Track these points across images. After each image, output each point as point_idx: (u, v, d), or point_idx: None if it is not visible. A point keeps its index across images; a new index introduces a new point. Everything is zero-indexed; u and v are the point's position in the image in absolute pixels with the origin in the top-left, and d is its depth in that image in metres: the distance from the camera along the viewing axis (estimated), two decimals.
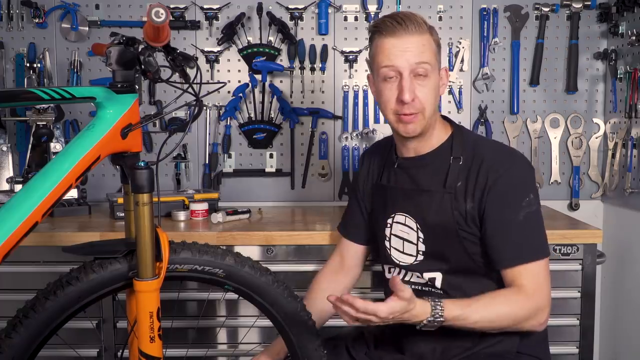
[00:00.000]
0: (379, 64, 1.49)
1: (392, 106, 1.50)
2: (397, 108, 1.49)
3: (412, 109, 1.47)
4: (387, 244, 1.64)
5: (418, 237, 1.57)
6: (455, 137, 1.56)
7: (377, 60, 1.49)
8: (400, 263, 1.61)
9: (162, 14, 1.18)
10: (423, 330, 1.36)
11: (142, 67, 1.28)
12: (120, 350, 1.98)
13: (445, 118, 1.62)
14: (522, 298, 1.43)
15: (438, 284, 1.56)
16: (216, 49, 2.59)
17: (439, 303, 1.35)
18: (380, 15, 2.56)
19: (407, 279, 1.61)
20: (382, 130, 2.55)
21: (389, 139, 1.71)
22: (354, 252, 1.78)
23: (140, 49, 1.27)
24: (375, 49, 1.50)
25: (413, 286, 1.59)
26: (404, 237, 1.59)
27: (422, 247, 1.56)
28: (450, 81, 2.59)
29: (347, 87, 2.61)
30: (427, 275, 1.57)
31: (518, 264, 1.45)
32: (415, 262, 1.58)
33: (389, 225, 1.63)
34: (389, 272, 1.66)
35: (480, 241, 1.50)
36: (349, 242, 1.78)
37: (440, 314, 1.34)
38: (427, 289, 1.58)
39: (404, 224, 1.59)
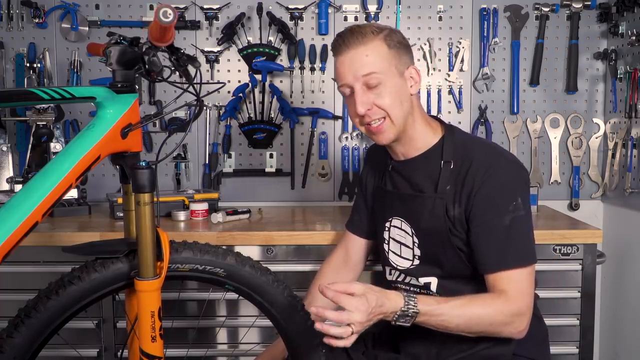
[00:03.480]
0: (337, 82, 1.54)
1: (357, 120, 1.52)
2: (360, 120, 1.51)
3: (372, 116, 1.48)
4: (385, 247, 1.64)
5: (414, 242, 1.57)
6: (446, 140, 1.54)
7: (336, 79, 1.54)
8: (398, 267, 1.61)
9: (169, 14, 1.18)
10: (407, 327, 1.37)
11: (147, 67, 1.28)
12: (120, 350, 1.99)
13: (436, 118, 1.61)
14: (501, 302, 1.41)
15: (433, 288, 1.56)
16: (216, 49, 2.59)
17: (413, 296, 1.36)
18: (380, 16, 2.57)
19: (406, 281, 1.61)
20: None
21: None
22: (359, 247, 1.78)
23: (144, 49, 1.27)
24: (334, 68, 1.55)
25: (412, 288, 1.60)
26: (401, 241, 1.60)
27: (417, 251, 1.56)
28: (450, 81, 2.60)
29: None
30: (423, 280, 1.57)
31: (501, 270, 1.43)
32: (412, 267, 1.58)
33: (387, 229, 1.63)
34: (390, 274, 1.66)
35: (466, 245, 1.49)
36: (355, 237, 1.78)
37: (413, 304, 1.34)
38: (424, 291, 1.58)
39: (401, 228, 1.59)
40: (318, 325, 1.31)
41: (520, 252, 1.45)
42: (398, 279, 1.63)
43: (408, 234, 1.57)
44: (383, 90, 1.46)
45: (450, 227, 1.49)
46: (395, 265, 1.62)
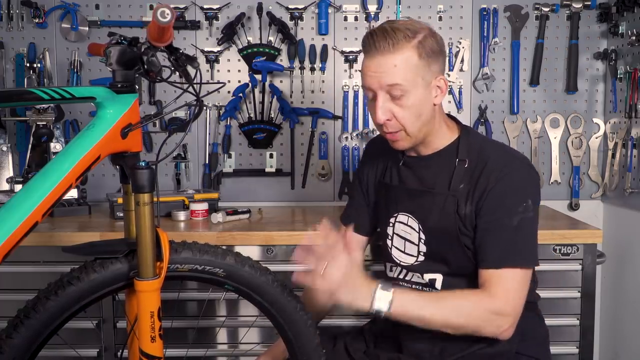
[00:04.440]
0: (362, 83, 1.51)
1: (376, 124, 1.51)
2: (378, 126, 1.50)
3: (390, 128, 1.47)
4: (389, 242, 1.63)
5: (420, 238, 1.56)
6: (462, 139, 1.54)
7: (362, 79, 1.51)
8: (401, 263, 1.61)
9: (167, 14, 1.18)
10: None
11: (145, 67, 1.28)
12: (120, 350, 1.99)
13: (452, 118, 1.61)
14: (481, 297, 1.41)
15: (438, 285, 1.55)
16: (216, 49, 2.59)
17: (389, 285, 1.36)
18: (380, 16, 2.58)
19: (407, 278, 1.61)
20: None
21: None
22: (356, 243, 1.76)
23: (143, 49, 1.27)
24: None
25: (414, 286, 1.60)
26: (406, 237, 1.59)
27: (423, 248, 1.56)
28: (450, 81, 2.60)
29: (347, 87, 2.61)
30: (427, 277, 1.56)
31: (497, 267, 1.43)
32: (416, 263, 1.58)
33: (391, 225, 1.62)
34: (391, 270, 1.66)
35: (474, 243, 1.49)
36: (351, 233, 1.76)
37: (386, 286, 1.35)
38: (427, 289, 1.57)
39: (407, 224, 1.59)
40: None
41: (524, 252, 1.45)
42: (399, 276, 1.63)
43: (415, 230, 1.57)
44: (405, 103, 1.44)
45: (460, 226, 1.49)
46: (398, 262, 1.61)
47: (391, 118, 1.46)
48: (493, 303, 1.40)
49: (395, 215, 1.61)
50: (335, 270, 1.30)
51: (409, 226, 1.58)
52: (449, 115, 1.61)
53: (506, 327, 1.41)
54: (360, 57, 2.54)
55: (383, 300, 1.34)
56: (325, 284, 1.30)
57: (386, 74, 1.42)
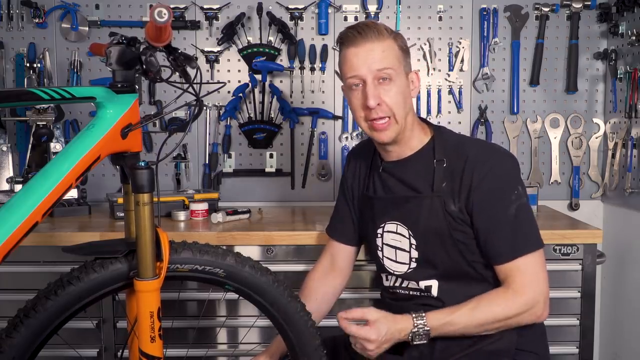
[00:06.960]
0: (345, 74, 1.53)
1: (361, 113, 1.52)
2: (366, 114, 1.51)
3: (380, 113, 1.49)
4: (379, 253, 1.63)
5: (411, 244, 1.56)
6: (436, 140, 1.56)
7: (343, 71, 1.54)
8: (395, 272, 1.60)
9: (164, 14, 1.18)
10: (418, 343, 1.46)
11: (144, 67, 1.28)
12: (120, 350, 1.99)
13: (423, 120, 1.63)
14: (508, 297, 1.45)
15: (434, 291, 1.55)
16: (216, 49, 2.59)
17: (422, 315, 1.44)
18: (380, 16, 2.57)
19: (403, 285, 1.61)
20: None
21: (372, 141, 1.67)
22: (344, 253, 1.76)
23: (141, 49, 1.27)
24: (341, 60, 1.54)
25: (411, 292, 1.60)
26: (397, 245, 1.59)
27: (414, 254, 1.56)
28: (450, 81, 2.60)
29: None
30: (423, 284, 1.56)
31: (513, 259, 1.46)
32: (409, 270, 1.57)
33: (379, 235, 1.62)
34: (387, 279, 1.65)
35: (476, 240, 1.50)
36: (338, 244, 1.76)
37: (422, 324, 1.43)
38: (425, 294, 1.57)
39: (396, 232, 1.58)
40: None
41: (530, 237, 1.49)
42: (395, 284, 1.63)
43: (405, 236, 1.57)
44: (391, 88, 1.49)
45: (450, 222, 1.50)
46: (392, 271, 1.61)
47: (381, 103, 1.49)
48: (522, 298, 1.45)
49: (382, 225, 1.61)
50: (374, 336, 1.42)
51: (399, 234, 1.58)
52: (421, 118, 1.63)
53: (540, 312, 1.47)
54: None
55: (421, 322, 1.44)
56: (380, 350, 1.45)
57: (377, 58, 1.48)
